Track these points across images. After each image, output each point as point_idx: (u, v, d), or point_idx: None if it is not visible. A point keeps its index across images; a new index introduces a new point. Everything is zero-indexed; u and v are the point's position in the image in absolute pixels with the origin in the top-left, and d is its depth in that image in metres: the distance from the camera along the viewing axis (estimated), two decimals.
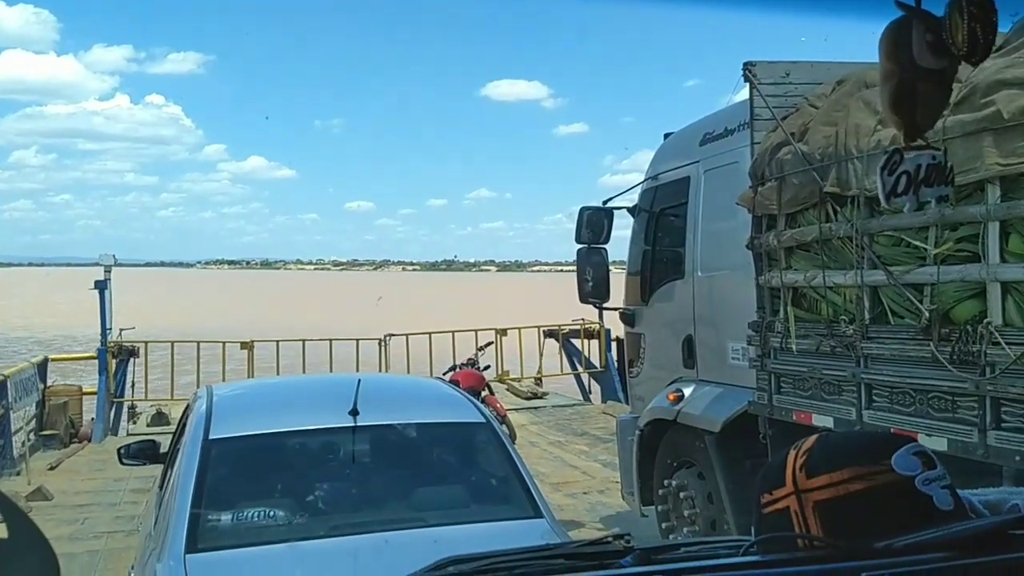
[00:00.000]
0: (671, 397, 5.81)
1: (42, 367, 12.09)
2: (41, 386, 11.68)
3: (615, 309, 6.97)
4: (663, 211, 6.35)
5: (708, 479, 5.49)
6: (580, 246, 6.65)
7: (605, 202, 6.73)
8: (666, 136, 6.57)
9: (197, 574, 3.10)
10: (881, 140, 3.79)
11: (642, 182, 6.67)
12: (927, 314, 3.62)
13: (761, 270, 4.69)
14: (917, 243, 3.71)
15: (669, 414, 5.80)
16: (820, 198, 4.19)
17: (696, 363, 5.80)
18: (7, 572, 1.06)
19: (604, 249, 6.70)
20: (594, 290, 6.68)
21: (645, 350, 6.55)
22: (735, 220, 5.07)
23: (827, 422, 4.20)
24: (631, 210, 6.67)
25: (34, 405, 11.23)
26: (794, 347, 4.42)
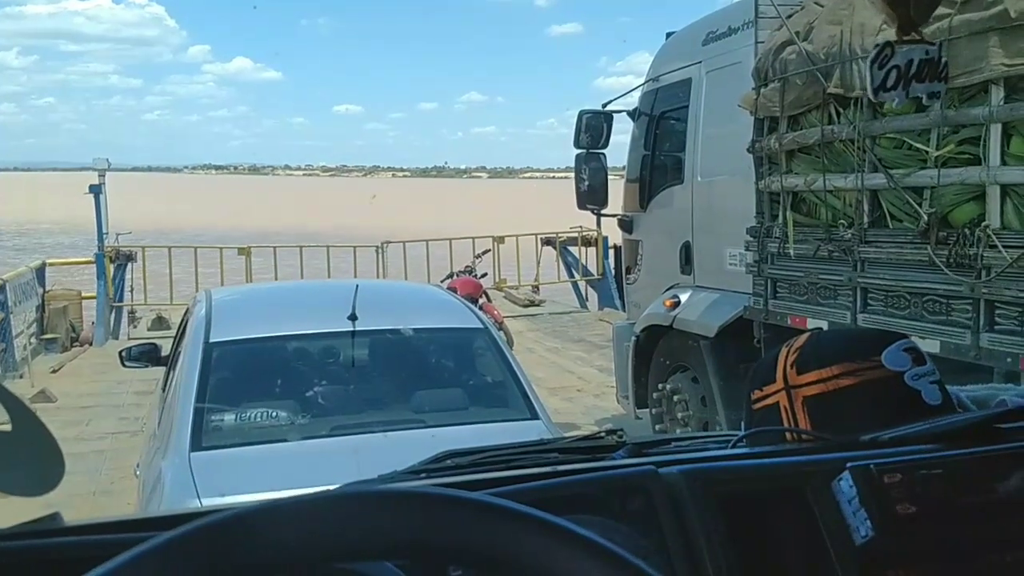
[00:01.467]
0: (667, 303, 5.84)
1: (40, 271, 12.09)
2: (40, 290, 11.70)
3: (613, 216, 6.95)
4: (663, 115, 6.26)
5: (702, 382, 5.58)
6: (578, 151, 6.58)
7: (604, 105, 6.62)
8: (668, 36, 6.43)
9: (201, 471, 3.17)
10: (887, 39, 3.71)
11: (642, 84, 6.55)
12: (926, 217, 3.62)
13: (761, 174, 4.66)
14: (919, 145, 3.69)
15: (665, 320, 5.85)
16: (823, 99, 4.14)
17: (693, 269, 5.82)
18: (12, 464, 1.08)
19: (603, 154, 6.63)
20: (592, 196, 6.64)
21: (642, 257, 6.56)
22: (736, 123, 5.00)
23: (822, 326, 4.24)
24: (631, 114, 6.57)
25: (34, 309, 11.25)
26: (792, 252, 4.43)
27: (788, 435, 1.28)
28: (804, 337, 1.36)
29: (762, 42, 4.69)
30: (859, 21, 3.97)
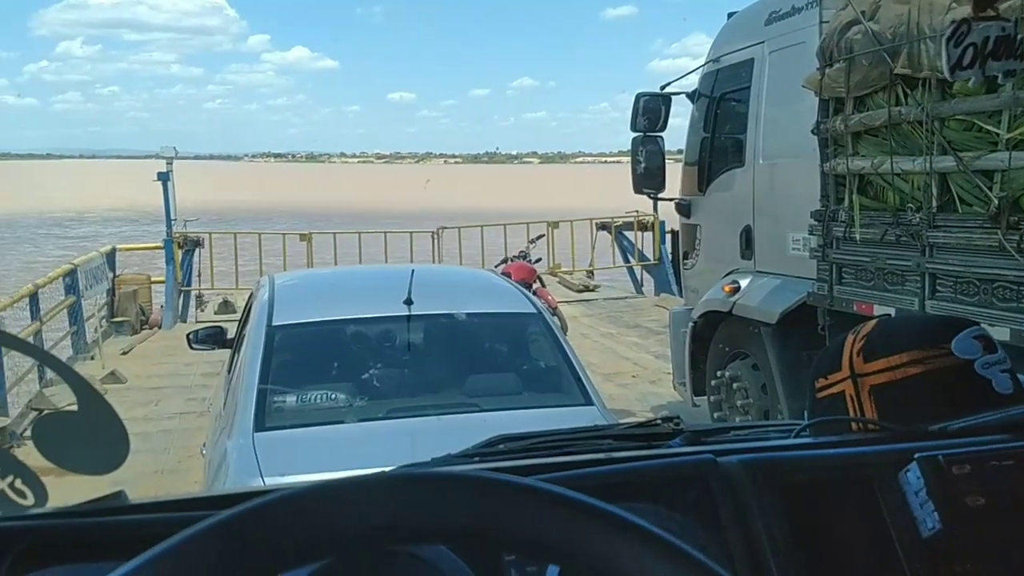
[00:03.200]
0: (727, 289, 5.76)
1: (110, 256, 12.44)
2: (111, 275, 12.02)
3: (670, 200, 6.87)
4: (724, 96, 6.16)
5: (763, 370, 5.49)
6: (635, 134, 6.51)
7: (663, 87, 6.54)
8: (729, 16, 6.31)
9: (264, 450, 3.23)
10: (956, 18, 3.58)
11: (702, 66, 6.45)
12: (996, 201, 3.51)
13: (826, 156, 4.56)
14: (989, 127, 3.56)
15: (724, 305, 5.77)
16: (890, 80, 4.03)
17: (754, 254, 5.73)
18: (79, 443, 1.10)
19: (660, 138, 6.56)
20: (649, 180, 6.58)
21: (701, 241, 6.47)
22: (800, 104, 4.90)
23: (889, 312, 4.14)
24: (690, 95, 6.47)
25: (104, 293, 11.54)
26: (858, 236, 4.32)
27: (854, 425, 1.25)
28: (871, 324, 1.32)
29: (827, 21, 4.58)
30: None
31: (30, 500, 1.06)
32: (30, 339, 8.35)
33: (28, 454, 1.04)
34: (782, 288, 5.31)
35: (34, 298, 8.89)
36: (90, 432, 1.11)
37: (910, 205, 4.03)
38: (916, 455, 1.01)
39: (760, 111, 5.62)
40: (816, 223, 4.67)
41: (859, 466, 1.07)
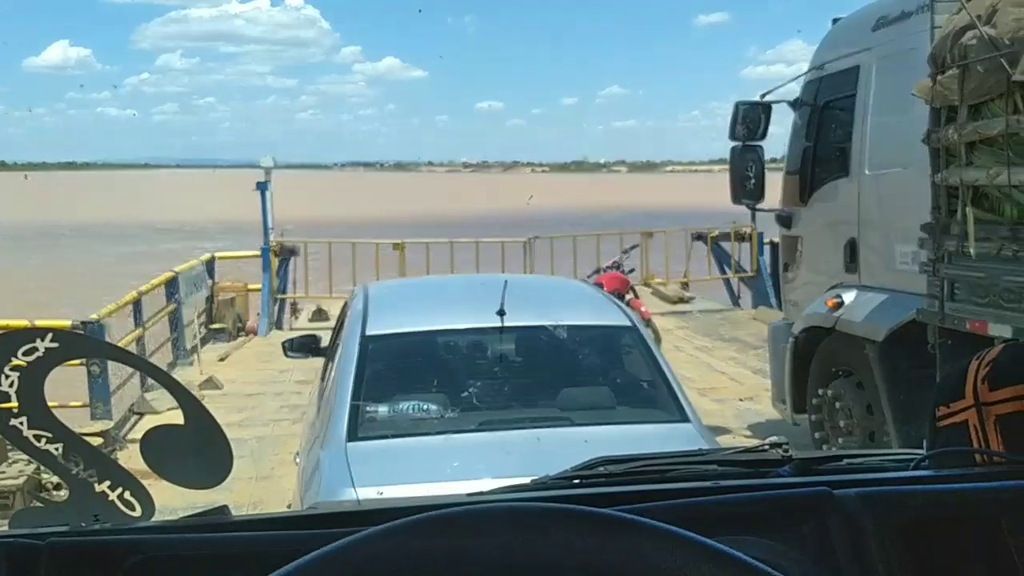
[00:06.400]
0: (830, 303, 5.58)
1: (210, 264, 12.85)
2: (210, 282, 12.42)
3: (771, 211, 6.71)
4: (828, 104, 6.02)
5: (868, 389, 5.30)
6: (734, 143, 6.39)
7: (762, 95, 6.40)
8: (834, 22, 6.16)
9: (358, 461, 3.26)
10: None
11: (804, 73, 6.29)
12: None
13: (938, 167, 4.37)
14: None
15: (827, 321, 5.59)
16: (1007, 87, 3.85)
17: (859, 268, 5.57)
18: (184, 456, 1.12)
19: (760, 147, 6.44)
20: (748, 190, 6.45)
21: (802, 253, 6.31)
22: (910, 113, 4.75)
23: (1005, 331, 3.94)
24: (792, 104, 6.33)
25: (204, 300, 11.94)
26: (972, 251, 4.12)
27: (979, 457, 1.16)
28: (997, 349, 1.23)
29: (939, 27, 4.40)
30: None
31: (138, 512, 1.07)
32: (133, 345, 8.72)
33: (130, 457, 1.05)
34: (889, 304, 5.12)
35: (137, 305, 9.20)
36: (196, 445, 1.12)
37: None
38: None
39: (866, 120, 5.47)
40: (927, 236, 4.48)
41: (986, 502, 0.99)
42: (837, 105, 5.92)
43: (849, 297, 5.51)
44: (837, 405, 5.56)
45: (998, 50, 3.85)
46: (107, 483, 1.07)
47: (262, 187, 12.96)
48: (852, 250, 5.61)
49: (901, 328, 4.90)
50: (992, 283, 4.09)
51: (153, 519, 1.08)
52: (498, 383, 3.91)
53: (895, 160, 5.19)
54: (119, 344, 7.74)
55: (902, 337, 4.89)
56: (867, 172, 5.47)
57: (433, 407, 3.68)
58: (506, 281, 4.00)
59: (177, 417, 1.16)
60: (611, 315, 4.20)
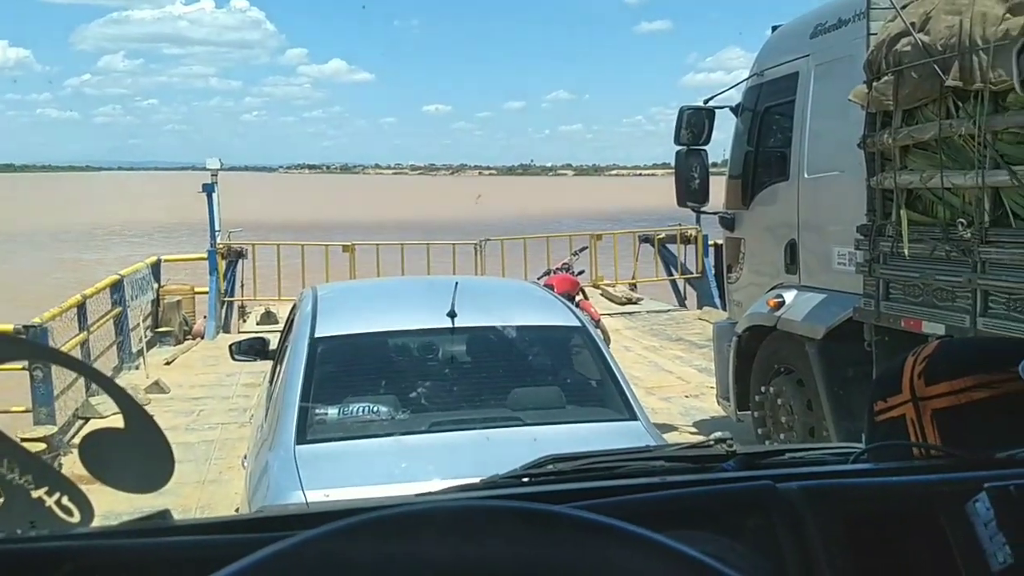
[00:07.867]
0: (771, 303, 5.69)
1: (155, 267, 12.59)
2: (155, 285, 12.15)
3: (715, 213, 6.82)
4: (768, 110, 6.11)
5: (808, 386, 5.41)
6: (679, 148, 6.48)
7: (706, 101, 6.50)
8: (774, 29, 6.27)
9: (306, 464, 3.23)
10: (1010, 29, 3.54)
11: (745, 80, 6.40)
12: None
13: (873, 171, 4.49)
14: None
15: (769, 320, 5.70)
16: (941, 93, 3.96)
17: (799, 268, 5.67)
18: (124, 461, 1.10)
19: (704, 151, 6.51)
20: (693, 193, 6.53)
21: (745, 255, 6.42)
22: (846, 118, 4.84)
23: (938, 329, 4.06)
24: (734, 109, 6.43)
25: (149, 303, 11.68)
26: (906, 252, 4.24)
27: (916, 450, 1.21)
28: (933, 345, 1.28)
29: (874, 34, 4.52)
30: (980, 10, 3.78)
31: (76, 518, 1.06)
32: (77, 349, 8.51)
33: (75, 463, 1.04)
34: (827, 303, 5.24)
35: (82, 308, 9.02)
36: (136, 450, 1.11)
37: (961, 220, 3.95)
38: (985, 484, 0.97)
39: (805, 125, 5.57)
40: (863, 238, 4.60)
41: (924, 495, 1.03)
42: (777, 111, 6.01)
43: (789, 297, 5.61)
44: (779, 402, 5.66)
45: (931, 56, 3.96)
46: (44, 489, 1.05)
47: (208, 189, 12.76)
48: (792, 252, 5.71)
49: (839, 327, 5.00)
50: (926, 283, 4.19)
51: (92, 525, 1.06)
52: (448, 384, 3.90)
53: (832, 164, 5.28)
54: (63, 349, 7.55)
55: (840, 335, 4.99)
56: (806, 176, 5.57)
57: (383, 409, 3.66)
58: (457, 283, 4.00)
59: (120, 421, 1.15)
60: (561, 316, 4.23)
